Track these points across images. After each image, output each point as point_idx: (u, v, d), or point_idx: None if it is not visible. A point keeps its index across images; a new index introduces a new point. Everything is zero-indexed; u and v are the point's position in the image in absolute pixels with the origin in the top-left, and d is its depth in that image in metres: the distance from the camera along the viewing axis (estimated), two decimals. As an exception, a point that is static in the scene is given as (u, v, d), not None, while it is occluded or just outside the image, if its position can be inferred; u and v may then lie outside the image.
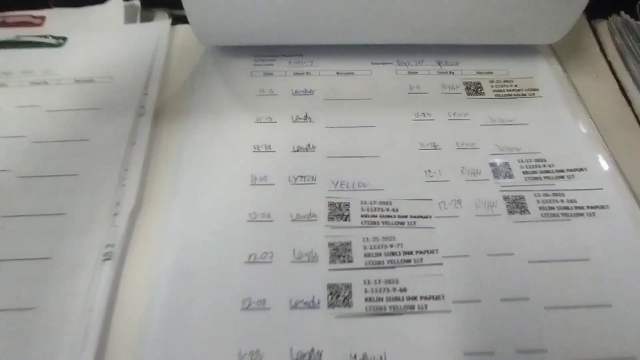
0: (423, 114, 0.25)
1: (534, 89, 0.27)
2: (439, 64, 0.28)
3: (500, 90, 0.27)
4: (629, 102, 0.28)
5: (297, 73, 0.27)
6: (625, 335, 0.18)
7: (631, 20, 0.33)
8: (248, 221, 0.21)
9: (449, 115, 0.25)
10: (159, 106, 0.25)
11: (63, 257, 0.20)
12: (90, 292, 0.19)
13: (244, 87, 0.26)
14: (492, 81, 0.27)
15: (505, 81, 0.27)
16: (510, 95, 0.27)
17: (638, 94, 0.29)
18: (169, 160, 0.23)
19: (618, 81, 0.29)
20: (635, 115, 0.27)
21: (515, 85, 0.27)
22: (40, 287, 0.19)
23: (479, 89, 0.27)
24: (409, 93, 0.26)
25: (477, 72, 0.28)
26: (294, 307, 0.18)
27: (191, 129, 0.24)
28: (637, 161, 0.24)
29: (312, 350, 0.17)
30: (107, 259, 0.19)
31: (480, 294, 0.19)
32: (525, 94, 0.27)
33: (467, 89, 0.27)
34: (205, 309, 0.18)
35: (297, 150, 0.23)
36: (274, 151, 0.23)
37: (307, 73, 0.27)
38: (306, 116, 0.25)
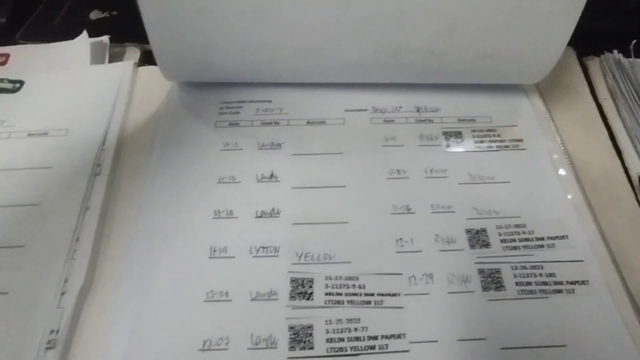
0: (398, 170, 0.24)
1: (518, 140, 0.25)
2: (418, 111, 0.26)
3: (482, 142, 0.25)
4: (619, 153, 0.26)
5: (264, 123, 0.25)
6: None
7: (624, 59, 0.31)
8: (205, 301, 0.19)
9: (425, 172, 0.24)
10: (116, 162, 0.24)
11: (1, 345, 0.18)
12: (31, 387, 0.18)
13: (207, 140, 0.24)
14: (474, 130, 0.26)
15: (488, 130, 0.26)
16: (492, 147, 0.25)
17: (629, 143, 0.27)
18: (125, 228, 0.21)
19: (608, 127, 0.27)
20: (625, 168, 0.25)
21: (499, 135, 0.26)
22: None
23: (459, 140, 0.25)
24: (383, 146, 0.24)
25: (459, 120, 0.26)
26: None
27: (148, 191, 0.22)
28: (622, 220, 0.23)
29: None
30: (50, 348, 0.18)
31: (448, 387, 0.18)
32: (508, 146, 0.25)
33: (446, 139, 0.25)
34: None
35: (261, 216, 0.22)
36: (235, 217, 0.22)
37: (275, 123, 0.25)
38: (272, 175, 0.23)
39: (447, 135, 0.25)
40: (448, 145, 0.25)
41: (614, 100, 0.29)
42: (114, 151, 0.24)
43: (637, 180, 0.25)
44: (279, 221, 0.22)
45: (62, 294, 0.19)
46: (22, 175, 0.23)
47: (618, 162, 0.26)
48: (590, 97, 0.29)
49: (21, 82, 0.27)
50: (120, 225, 0.22)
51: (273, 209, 0.22)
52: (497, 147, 0.25)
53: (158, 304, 0.19)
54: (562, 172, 0.24)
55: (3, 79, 0.28)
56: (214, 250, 0.21)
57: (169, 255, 0.20)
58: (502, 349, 0.18)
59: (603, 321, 0.19)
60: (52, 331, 0.18)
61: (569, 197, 0.23)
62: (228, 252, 0.21)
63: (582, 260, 0.21)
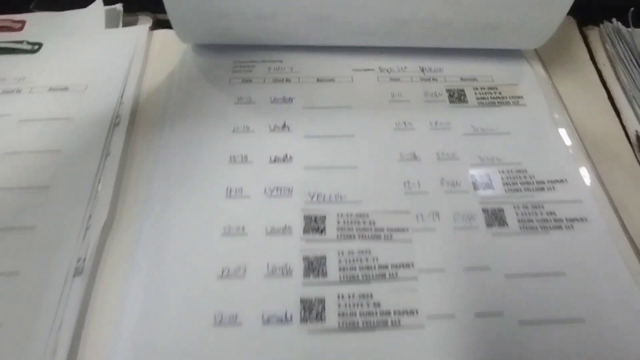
0: (404, 123, 0.25)
1: (518, 97, 0.26)
2: (422, 71, 0.28)
3: (483, 98, 0.26)
4: (617, 113, 0.28)
5: (276, 80, 0.26)
6: (599, 350, 0.18)
7: (623, 27, 0.32)
8: (222, 235, 0.20)
9: (430, 124, 0.25)
10: (134, 115, 0.25)
11: (32, 272, 0.19)
12: (59, 308, 0.18)
13: (221, 95, 0.25)
14: (475, 88, 0.27)
15: (489, 88, 0.27)
16: (494, 103, 0.26)
17: (627, 104, 0.28)
18: (143, 172, 0.22)
19: (607, 90, 0.29)
20: (623, 126, 0.27)
21: (500, 93, 0.27)
22: (7, 304, 0.18)
23: (462, 97, 0.26)
24: (390, 101, 0.26)
25: (461, 79, 0.27)
26: (267, 322, 0.18)
27: (166, 139, 0.23)
28: (621, 172, 0.24)
29: (284, 368, 0.17)
30: (78, 274, 0.19)
31: (455, 310, 0.19)
32: (509, 102, 0.26)
33: (450, 96, 0.26)
34: (177, 323, 0.18)
35: (274, 161, 0.23)
36: (250, 162, 0.23)
37: (286, 80, 0.26)
38: (284, 125, 0.24)
39: (451, 92, 0.26)
40: (451, 101, 0.26)
41: (612, 65, 0.30)
42: (132, 104, 0.25)
43: (634, 137, 0.27)
44: (292, 166, 0.23)
45: (87, 228, 0.20)
46: (44, 125, 0.24)
47: (617, 120, 0.27)
48: (590, 63, 0.30)
49: (40, 44, 0.29)
50: (140, 170, 0.23)
51: (286, 155, 0.23)
52: (499, 102, 0.26)
53: (177, 237, 0.20)
54: (561, 126, 0.25)
55: (22, 41, 0.29)
56: (230, 191, 0.22)
57: (187, 196, 0.21)
58: (505, 276, 0.19)
59: (600, 254, 0.20)
60: (78, 260, 0.19)
61: (569, 148, 0.24)
62: (244, 192, 0.22)
63: (581, 201, 0.22)
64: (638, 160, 0.25)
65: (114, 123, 0.24)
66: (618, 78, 0.30)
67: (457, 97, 0.26)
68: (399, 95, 0.26)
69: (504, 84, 0.27)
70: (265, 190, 0.22)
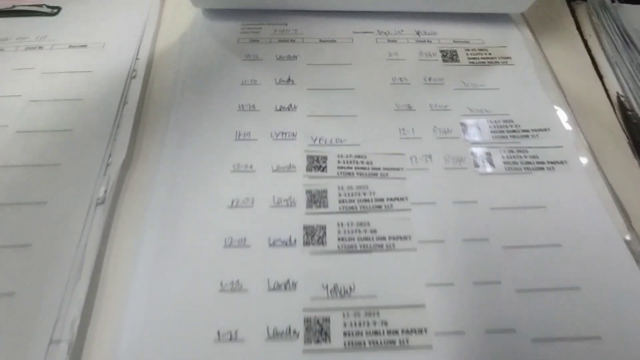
0: (400, 78, 0.27)
1: (507, 57, 0.28)
2: (418, 34, 0.29)
3: (474, 58, 0.28)
4: (601, 78, 0.29)
5: (281, 40, 0.28)
6: (573, 269, 0.20)
7: (608, 1, 0.34)
8: (232, 171, 0.22)
9: (424, 80, 0.27)
10: (149, 70, 0.27)
11: (59, 202, 0.21)
12: (84, 232, 0.20)
13: (230, 53, 0.27)
14: (467, 49, 0.29)
15: (480, 49, 0.29)
16: (484, 62, 0.28)
17: (610, 70, 0.30)
18: (159, 119, 0.24)
19: (592, 58, 0.30)
20: (606, 90, 0.29)
21: (489, 54, 0.29)
22: (36, 229, 0.20)
23: (455, 57, 0.28)
24: (387, 60, 0.28)
25: (454, 41, 0.29)
26: (273, 245, 0.20)
27: (180, 91, 0.25)
28: (600, 126, 0.26)
29: (288, 281, 0.19)
30: (100, 203, 0.21)
31: (444, 236, 0.20)
32: (498, 62, 0.28)
33: (444, 56, 0.28)
34: (191, 243, 0.20)
35: (280, 110, 0.25)
36: (257, 110, 0.25)
37: (291, 40, 0.28)
38: (289, 79, 0.26)
39: (444, 52, 0.28)
40: (444, 60, 0.28)
41: (597, 36, 0.32)
42: (147, 60, 0.27)
43: (615, 98, 0.29)
44: (296, 114, 0.24)
45: (108, 165, 0.22)
46: (65, 77, 0.26)
47: (599, 83, 0.29)
48: (576, 33, 0.32)
49: (58, 8, 0.30)
50: (155, 117, 0.24)
51: (290, 105, 0.25)
52: (488, 62, 0.28)
53: (191, 173, 0.22)
54: (546, 83, 0.27)
55: (41, 4, 0.30)
56: (239, 134, 0.23)
57: (200, 138, 0.23)
58: (491, 209, 0.21)
59: (579, 192, 0.22)
60: (100, 192, 0.21)
61: (553, 102, 0.26)
62: (252, 136, 0.23)
63: (562, 146, 0.24)
64: (617, 117, 0.27)
65: (131, 76, 0.26)
66: (602, 47, 0.32)
67: (449, 57, 0.28)
68: (395, 54, 0.28)
69: (494, 46, 0.29)
70: (271, 134, 0.23)
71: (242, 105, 0.25)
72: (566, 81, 0.28)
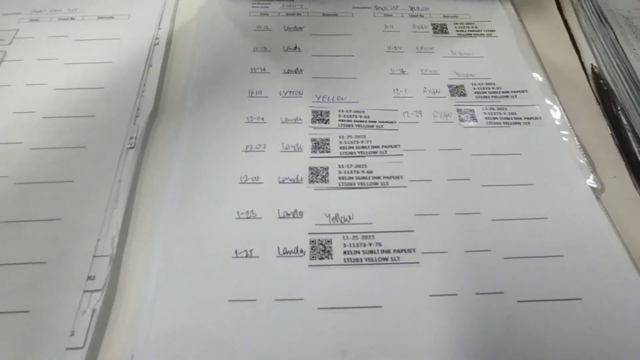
0: (395, 47, 0.30)
1: (491, 30, 0.31)
2: (411, 9, 0.32)
3: (462, 31, 0.31)
4: (578, 52, 0.32)
5: (288, 14, 0.31)
6: (544, 208, 0.23)
7: None
8: (245, 122, 0.25)
9: (416, 48, 0.30)
10: (170, 38, 0.30)
11: (95, 146, 0.24)
12: (118, 170, 0.23)
13: (242, 24, 0.30)
14: (456, 23, 0.32)
15: (467, 23, 0.32)
16: (471, 34, 0.31)
17: (587, 46, 0.33)
18: (180, 80, 0.27)
19: (571, 35, 0.33)
20: (582, 62, 0.31)
21: (476, 27, 0.32)
22: (77, 166, 0.23)
23: (444, 29, 0.31)
24: (383, 31, 0.31)
25: (444, 16, 0.32)
26: (282, 182, 0.23)
27: (199, 57, 0.28)
28: (574, 91, 0.29)
29: (295, 210, 0.22)
30: (131, 147, 0.24)
31: (431, 176, 0.23)
32: (483, 34, 0.31)
33: (434, 29, 0.31)
34: (211, 182, 0.23)
35: (287, 72, 0.28)
36: (268, 72, 0.28)
37: (297, 14, 0.31)
38: (295, 47, 0.29)
39: (434, 25, 0.31)
40: (435, 32, 0.31)
41: (577, 16, 0.35)
42: (168, 30, 0.30)
43: (590, 69, 0.32)
44: (302, 76, 0.27)
45: (137, 117, 0.25)
46: (96, 44, 0.29)
47: (576, 57, 0.32)
48: (557, 12, 0.35)
49: (86, -15, 0.33)
50: (177, 79, 0.28)
51: (297, 68, 0.28)
52: (474, 34, 0.31)
53: (210, 124, 0.25)
54: (526, 53, 0.30)
55: (71, -18, 0.33)
56: (251, 92, 0.26)
57: (217, 95, 0.26)
58: (472, 155, 0.24)
59: (550, 142, 0.25)
60: (131, 138, 0.24)
61: (532, 70, 0.29)
62: (263, 94, 0.26)
63: (537, 105, 0.27)
64: (590, 85, 0.30)
65: (154, 43, 0.29)
66: (580, 26, 0.35)
67: (439, 29, 0.31)
68: (391, 27, 0.31)
69: (480, 20, 0.32)
70: (280, 92, 0.27)
71: (254, 68, 0.28)
72: (545, 53, 0.31)
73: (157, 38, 0.29)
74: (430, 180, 0.23)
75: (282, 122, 0.25)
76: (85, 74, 0.27)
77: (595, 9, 0.36)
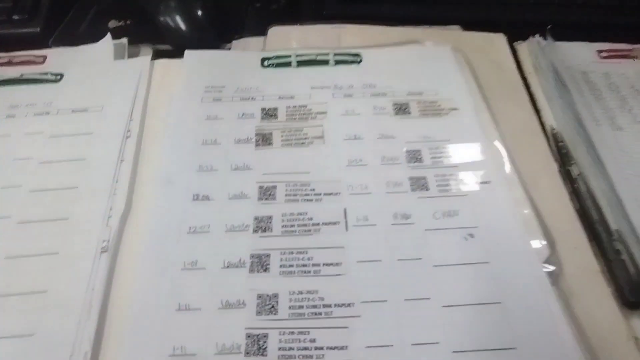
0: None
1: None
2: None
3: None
4: (537, 112, 0.33)
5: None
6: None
7: (542, 41, 0.38)
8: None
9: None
10: (142, 129, 0.31)
11: (68, 251, 0.25)
12: (92, 276, 0.24)
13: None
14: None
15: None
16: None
17: (546, 105, 0.34)
18: (151, 174, 0.28)
19: (531, 95, 0.34)
20: (542, 123, 0.33)
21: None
22: (50, 275, 0.24)
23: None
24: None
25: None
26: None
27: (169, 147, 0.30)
28: (533, 153, 0.30)
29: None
30: (104, 251, 0.25)
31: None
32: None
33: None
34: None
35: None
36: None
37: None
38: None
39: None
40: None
41: (536, 74, 0.36)
42: (140, 120, 0.31)
43: (549, 130, 0.33)
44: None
45: (109, 217, 0.26)
46: (69, 140, 0.30)
47: (535, 117, 0.33)
48: (516, 72, 0.36)
49: (61, 75, 0.35)
50: (148, 172, 0.29)
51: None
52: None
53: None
54: (485, 124, 0.31)
55: (46, 72, 0.35)
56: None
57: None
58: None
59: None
60: (104, 240, 0.25)
61: (490, 140, 0.30)
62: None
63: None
64: (550, 146, 0.31)
65: (126, 136, 0.30)
66: (540, 83, 0.36)
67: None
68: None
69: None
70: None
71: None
72: (505, 118, 0.32)
73: (129, 130, 0.31)
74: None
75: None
76: (58, 173, 0.28)
77: (552, 66, 0.37)
